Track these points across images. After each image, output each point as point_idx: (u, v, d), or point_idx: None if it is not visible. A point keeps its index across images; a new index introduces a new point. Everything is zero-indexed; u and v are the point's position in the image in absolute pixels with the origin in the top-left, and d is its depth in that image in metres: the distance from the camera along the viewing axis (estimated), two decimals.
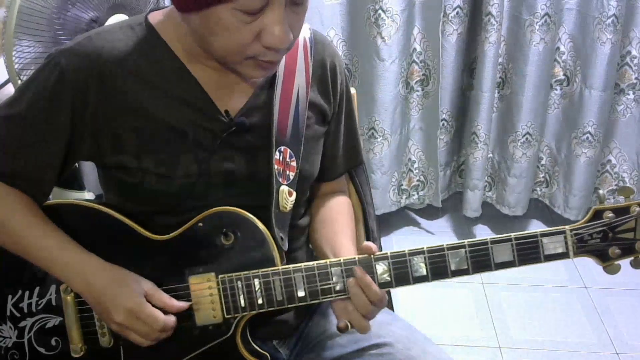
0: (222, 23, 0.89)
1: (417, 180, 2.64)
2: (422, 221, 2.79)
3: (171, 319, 1.01)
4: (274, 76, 1.08)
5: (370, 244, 1.00)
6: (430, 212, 2.79)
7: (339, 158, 1.22)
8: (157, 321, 0.99)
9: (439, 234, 2.71)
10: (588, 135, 2.44)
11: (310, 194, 1.22)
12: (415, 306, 2.25)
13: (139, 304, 0.99)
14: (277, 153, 1.05)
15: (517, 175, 2.54)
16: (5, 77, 1.58)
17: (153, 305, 1.00)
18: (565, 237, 0.97)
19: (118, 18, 1.60)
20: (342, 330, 1.01)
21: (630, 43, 2.34)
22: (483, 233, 2.70)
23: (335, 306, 1.04)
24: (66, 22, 1.51)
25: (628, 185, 1.10)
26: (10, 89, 1.61)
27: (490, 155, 2.62)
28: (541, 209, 2.78)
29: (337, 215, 1.20)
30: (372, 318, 1.02)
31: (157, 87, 1.02)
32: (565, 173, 2.57)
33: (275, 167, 1.05)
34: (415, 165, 2.61)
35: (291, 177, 1.07)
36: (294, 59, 1.10)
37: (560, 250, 0.97)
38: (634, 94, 2.42)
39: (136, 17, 1.06)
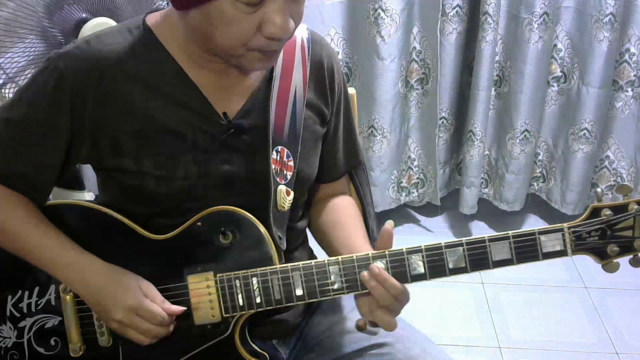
0: (223, 16, 0.89)
1: (417, 178, 2.65)
2: (422, 218, 2.79)
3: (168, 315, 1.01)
4: (271, 76, 1.08)
5: (388, 228, 1.01)
6: (429, 209, 2.79)
7: (339, 159, 1.22)
8: (156, 317, 0.99)
9: (438, 231, 2.70)
10: (585, 131, 2.44)
11: (312, 196, 1.22)
12: (415, 306, 2.24)
13: (139, 301, 0.99)
14: (275, 153, 1.05)
15: (515, 171, 2.55)
16: None
17: None
18: (563, 235, 0.97)
19: (101, 21, 1.60)
20: (360, 328, 1.01)
21: (629, 41, 2.34)
22: (481, 230, 2.71)
23: (360, 302, 1.03)
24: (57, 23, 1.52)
25: (626, 183, 1.09)
26: None
27: (487, 152, 2.62)
28: (538, 203, 2.79)
29: (347, 217, 1.20)
30: (396, 314, 1.01)
31: (156, 89, 1.02)
32: (562, 168, 2.58)
33: (273, 166, 1.05)
34: (415, 163, 2.62)
35: (289, 177, 1.07)
36: (291, 58, 1.09)
37: (558, 248, 0.97)
38: (632, 91, 2.42)
39: (134, 20, 1.06)
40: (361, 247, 1.09)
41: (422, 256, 0.99)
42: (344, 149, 1.22)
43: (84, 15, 1.57)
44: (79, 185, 1.85)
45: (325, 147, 1.18)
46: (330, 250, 1.17)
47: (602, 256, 0.97)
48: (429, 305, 2.27)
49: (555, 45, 2.41)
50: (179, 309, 1.01)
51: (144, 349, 1.02)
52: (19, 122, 1.02)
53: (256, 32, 0.92)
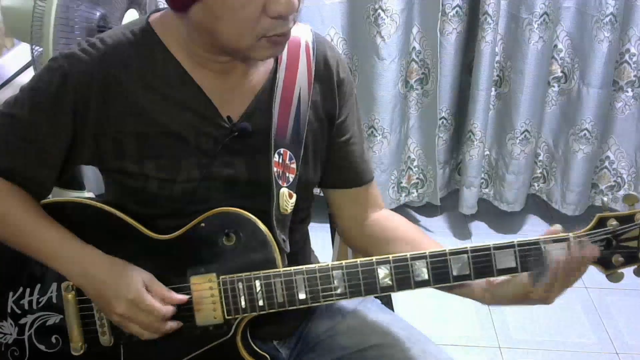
0: (227, 4, 0.88)
1: (417, 178, 2.65)
2: (422, 218, 2.79)
3: (170, 309, 1.01)
4: (275, 78, 1.07)
5: (558, 229, 0.99)
6: (429, 209, 2.79)
7: (365, 162, 1.18)
8: (158, 311, 0.99)
9: (438, 231, 2.70)
10: (585, 132, 2.44)
11: (353, 210, 1.19)
12: (415, 306, 2.25)
13: (141, 293, 0.99)
14: (277, 155, 1.05)
15: (516, 172, 2.55)
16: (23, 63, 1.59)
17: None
18: (568, 245, 0.96)
19: (131, 14, 1.60)
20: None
21: (630, 41, 2.34)
22: (481, 230, 2.71)
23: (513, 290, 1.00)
24: (75, 18, 1.51)
25: (632, 192, 1.09)
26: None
27: (487, 152, 2.62)
28: (538, 204, 2.79)
29: (416, 234, 1.16)
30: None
31: (159, 91, 1.02)
32: (562, 169, 2.58)
33: (275, 169, 1.04)
34: (415, 163, 2.62)
35: (291, 180, 1.07)
36: (295, 60, 1.09)
37: None
38: (632, 91, 2.42)
39: (138, 20, 1.06)
40: None
41: (427, 262, 0.98)
42: (362, 152, 1.19)
43: (100, 11, 1.54)
44: (79, 186, 1.85)
45: (348, 149, 1.15)
46: None
47: (607, 266, 0.98)
48: (429, 305, 2.27)
49: (555, 46, 2.41)
50: (182, 297, 1.01)
51: (145, 349, 1.03)
52: (22, 120, 1.02)
53: (261, 16, 0.90)
